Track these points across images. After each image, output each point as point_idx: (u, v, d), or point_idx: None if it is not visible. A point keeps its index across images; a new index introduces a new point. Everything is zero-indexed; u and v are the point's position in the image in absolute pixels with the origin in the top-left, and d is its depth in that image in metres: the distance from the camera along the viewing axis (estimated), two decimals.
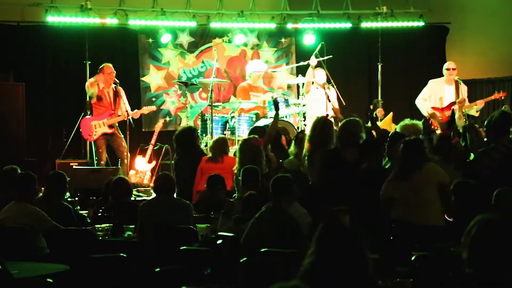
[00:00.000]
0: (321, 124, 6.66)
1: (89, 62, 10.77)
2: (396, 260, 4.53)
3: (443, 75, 9.75)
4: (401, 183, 5.45)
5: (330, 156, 6.21)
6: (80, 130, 9.83)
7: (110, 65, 9.80)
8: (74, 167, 9.34)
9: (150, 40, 11.39)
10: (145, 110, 10.08)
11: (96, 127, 9.59)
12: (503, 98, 9.97)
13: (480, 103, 9.73)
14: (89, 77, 10.57)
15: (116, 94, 9.68)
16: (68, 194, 7.20)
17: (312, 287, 2.45)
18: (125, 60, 11.24)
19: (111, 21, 10.61)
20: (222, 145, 7.56)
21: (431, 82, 9.96)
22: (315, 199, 5.75)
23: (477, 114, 9.80)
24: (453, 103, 9.51)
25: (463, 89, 9.70)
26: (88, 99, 9.80)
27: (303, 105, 10.14)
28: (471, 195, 5.06)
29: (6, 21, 10.72)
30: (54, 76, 10.90)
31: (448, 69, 9.75)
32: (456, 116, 8.95)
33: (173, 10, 10.99)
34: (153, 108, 10.44)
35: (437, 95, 9.73)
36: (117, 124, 9.75)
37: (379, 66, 11.53)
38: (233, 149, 8.35)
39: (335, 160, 6.11)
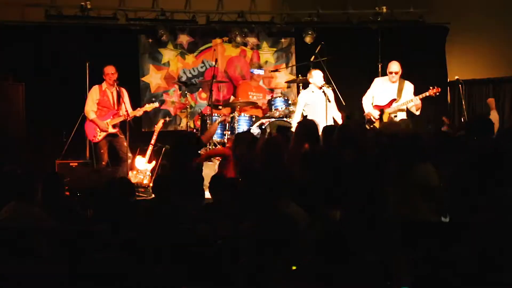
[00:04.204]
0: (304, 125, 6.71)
1: (89, 62, 10.79)
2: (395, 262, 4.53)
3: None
4: (395, 179, 5.47)
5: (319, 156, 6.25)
6: (85, 130, 9.84)
7: (112, 66, 9.81)
8: (74, 167, 9.34)
9: (150, 40, 11.39)
10: (148, 107, 10.10)
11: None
12: (437, 94, 9.20)
13: (415, 100, 9.19)
14: (89, 77, 10.59)
15: (118, 94, 9.70)
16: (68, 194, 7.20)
17: (309, 282, 2.48)
18: (125, 60, 11.21)
19: (111, 21, 10.62)
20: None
21: (376, 80, 9.84)
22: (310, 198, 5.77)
23: (417, 112, 9.30)
24: (394, 100, 9.41)
25: (408, 88, 9.49)
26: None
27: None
28: None
29: (6, 21, 10.72)
30: (54, 76, 10.89)
31: (390, 73, 9.57)
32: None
33: (173, 10, 10.99)
34: (156, 105, 10.44)
35: (380, 93, 9.58)
36: (119, 124, 9.79)
37: (379, 66, 11.53)
38: None
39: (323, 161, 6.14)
